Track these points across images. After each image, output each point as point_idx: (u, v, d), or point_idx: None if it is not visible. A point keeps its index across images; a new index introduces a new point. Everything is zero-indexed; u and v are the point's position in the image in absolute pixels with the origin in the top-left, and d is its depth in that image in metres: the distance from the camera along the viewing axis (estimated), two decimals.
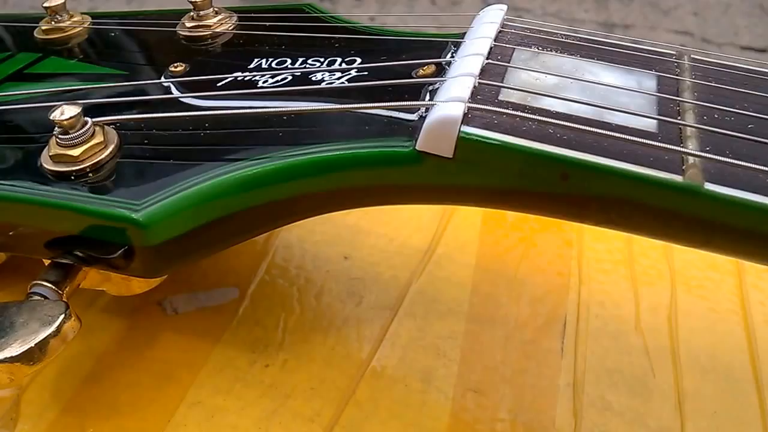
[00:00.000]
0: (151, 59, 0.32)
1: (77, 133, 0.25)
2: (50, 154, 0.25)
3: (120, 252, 0.25)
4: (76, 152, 0.25)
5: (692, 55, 0.27)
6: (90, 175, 0.25)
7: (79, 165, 0.25)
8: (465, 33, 0.29)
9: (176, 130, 0.26)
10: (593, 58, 0.26)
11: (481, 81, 0.24)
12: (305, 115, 0.26)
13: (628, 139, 0.22)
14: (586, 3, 1.37)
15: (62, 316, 0.25)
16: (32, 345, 0.24)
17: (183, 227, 0.24)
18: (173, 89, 0.29)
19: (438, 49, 0.28)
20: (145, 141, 0.26)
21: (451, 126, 0.22)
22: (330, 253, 0.37)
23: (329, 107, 0.25)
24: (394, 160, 0.23)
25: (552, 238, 0.39)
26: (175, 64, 0.30)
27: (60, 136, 0.25)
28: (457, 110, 0.22)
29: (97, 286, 0.29)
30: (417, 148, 0.23)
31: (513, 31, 0.27)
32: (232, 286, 0.35)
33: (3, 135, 0.28)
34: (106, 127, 0.26)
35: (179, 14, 0.34)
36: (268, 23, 0.32)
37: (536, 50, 0.26)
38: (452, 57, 0.27)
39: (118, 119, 0.26)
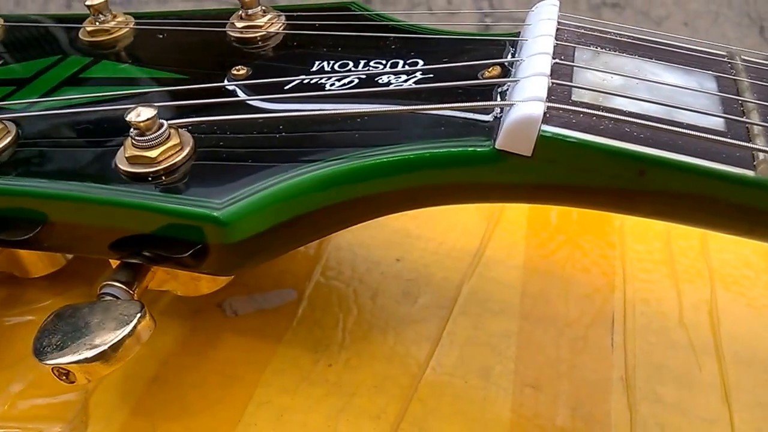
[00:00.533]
0: (209, 62, 0.32)
1: (154, 135, 0.26)
2: (126, 155, 0.26)
3: (195, 250, 0.26)
4: (153, 154, 0.26)
5: (742, 56, 0.28)
6: (167, 176, 0.26)
7: (157, 166, 0.26)
8: (520, 32, 0.30)
9: (250, 132, 0.27)
10: (651, 59, 0.27)
11: (553, 81, 0.24)
12: (378, 117, 0.26)
13: (700, 137, 0.23)
14: (580, 12, 1.39)
15: (139, 315, 0.26)
16: (111, 344, 0.25)
17: (262, 226, 0.25)
18: (239, 92, 0.29)
19: (497, 49, 0.29)
20: (220, 143, 0.27)
21: (532, 125, 0.23)
22: (382, 255, 0.38)
23: (405, 108, 0.26)
24: (474, 159, 0.24)
25: (595, 240, 0.40)
26: (237, 68, 0.31)
27: (136, 137, 0.26)
28: (538, 109, 0.23)
29: (164, 286, 0.30)
30: (496, 147, 0.24)
31: (569, 29, 0.28)
32: (288, 288, 0.36)
33: (70, 138, 0.29)
34: (179, 129, 0.27)
35: (224, 14, 0.35)
36: (317, 23, 0.33)
37: (596, 49, 0.27)
38: (514, 57, 0.28)
39: (193, 122, 0.27)
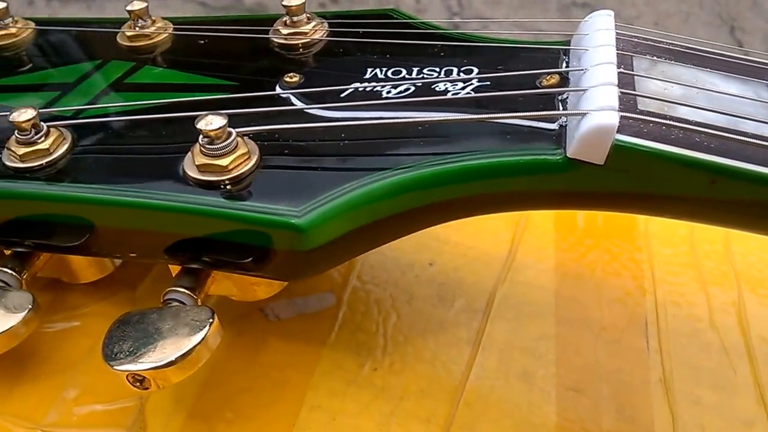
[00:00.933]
0: (255, 69, 0.32)
1: (224, 144, 0.26)
2: (197, 163, 0.26)
3: (266, 257, 0.26)
4: (224, 162, 0.26)
5: None
6: (238, 183, 0.26)
7: (228, 174, 0.26)
8: (570, 41, 0.30)
9: (312, 140, 0.27)
10: (707, 68, 0.28)
11: (621, 90, 0.25)
12: (442, 125, 0.27)
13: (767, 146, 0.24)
14: (550, 13, 1.39)
15: (211, 320, 0.26)
16: (188, 350, 0.25)
17: (336, 233, 0.25)
18: (294, 100, 0.29)
19: (551, 57, 0.29)
20: (285, 151, 0.27)
21: (607, 134, 0.23)
22: (414, 259, 0.38)
23: (476, 117, 0.26)
24: (544, 167, 0.24)
25: (622, 243, 0.40)
26: (290, 75, 0.31)
27: (206, 146, 0.26)
28: (613, 119, 0.23)
29: (222, 291, 0.30)
30: (568, 155, 0.24)
31: (625, 38, 0.29)
32: (327, 292, 0.36)
33: (128, 145, 0.29)
34: (244, 137, 0.27)
35: (265, 20, 0.35)
36: (361, 30, 0.33)
37: (652, 59, 0.28)
38: (569, 66, 0.28)
39: (259, 130, 0.27)
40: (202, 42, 0.34)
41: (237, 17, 0.37)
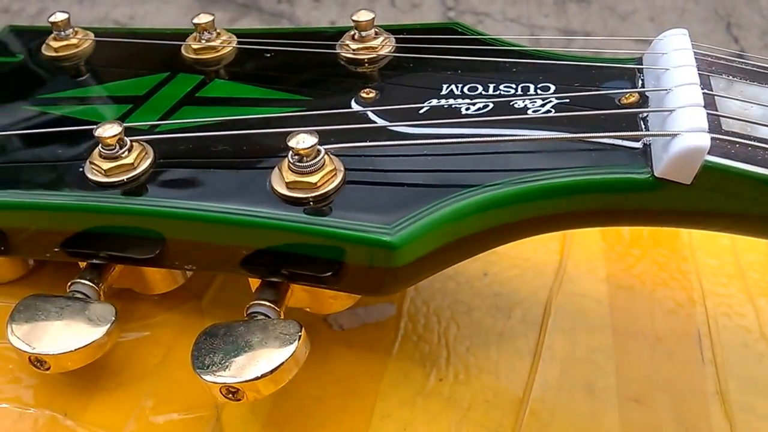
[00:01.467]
0: (326, 83, 0.33)
1: (313, 161, 0.26)
2: (286, 180, 0.27)
3: (355, 273, 0.26)
4: (313, 179, 0.26)
5: None
6: (326, 200, 0.26)
7: (316, 191, 0.26)
8: (642, 59, 0.31)
9: (394, 156, 0.28)
10: None
11: (707, 111, 0.26)
12: (527, 142, 0.27)
13: None
14: (546, 8, 1.40)
15: (300, 334, 0.26)
16: (282, 363, 0.25)
17: (424, 250, 0.26)
18: (373, 116, 0.30)
19: (628, 75, 0.30)
20: (369, 167, 0.27)
21: (698, 156, 0.24)
22: (468, 270, 0.39)
23: (558, 136, 0.27)
24: (631, 186, 0.25)
25: (669, 254, 0.41)
26: (366, 91, 0.31)
27: (296, 163, 0.27)
28: (705, 141, 0.24)
29: (298, 304, 0.30)
30: (656, 174, 0.25)
31: (701, 57, 0.29)
32: (386, 302, 0.37)
33: (209, 159, 0.29)
34: (331, 154, 0.27)
35: (330, 33, 0.35)
36: (428, 45, 0.34)
37: (728, 78, 0.28)
38: (643, 84, 0.29)
39: (345, 147, 0.28)
40: (268, 55, 0.35)
41: (298, 30, 0.37)
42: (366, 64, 0.34)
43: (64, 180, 0.29)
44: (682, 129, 0.24)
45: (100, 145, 0.28)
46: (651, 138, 0.26)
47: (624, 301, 0.38)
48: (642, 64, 0.30)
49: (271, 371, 0.25)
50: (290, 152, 0.27)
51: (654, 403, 0.33)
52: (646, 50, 0.31)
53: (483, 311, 0.37)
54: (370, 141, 0.28)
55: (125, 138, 0.29)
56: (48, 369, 0.28)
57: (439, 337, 0.35)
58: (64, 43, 0.37)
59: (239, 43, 0.36)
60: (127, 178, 0.28)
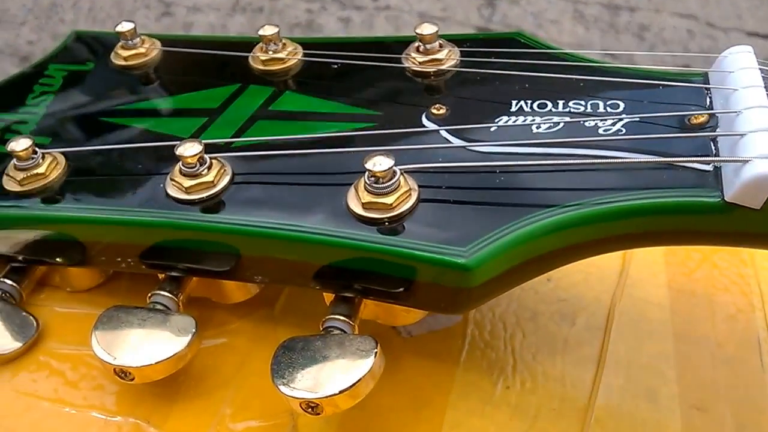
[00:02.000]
0: (395, 97, 0.33)
1: (389, 183, 0.27)
2: (363, 201, 0.27)
3: (426, 291, 0.27)
4: (389, 200, 0.27)
5: None
6: (400, 221, 0.27)
7: (392, 212, 0.27)
8: (707, 73, 0.31)
9: (467, 175, 0.28)
10: None
11: None
12: (597, 163, 0.28)
13: None
14: None
15: (375, 350, 0.27)
16: (359, 378, 0.26)
17: (499, 270, 0.26)
18: (445, 134, 0.30)
19: (695, 94, 0.30)
20: (442, 187, 0.28)
21: None
22: None
23: (632, 159, 0.27)
24: (702, 209, 0.25)
25: (729, 258, 0.41)
26: (437, 107, 0.31)
27: (373, 184, 0.27)
28: None
29: (371, 317, 0.31)
30: (726, 199, 0.25)
31: (765, 76, 0.29)
32: None
33: (285, 174, 0.30)
34: (406, 174, 0.28)
35: (393, 44, 0.35)
36: (492, 58, 0.34)
37: None
38: (712, 103, 0.29)
39: (421, 168, 0.28)
40: (335, 66, 0.35)
41: (359, 40, 0.37)
42: (432, 77, 0.34)
43: (145, 196, 0.30)
44: (754, 155, 0.25)
45: (180, 162, 0.29)
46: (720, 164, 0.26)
47: (685, 306, 0.38)
48: (708, 82, 0.30)
49: (350, 387, 0.26)
50: (366, 173, 0.27)
51: (716, 412, 0.34)
52: (710, 67, 0.31)
53: (547, 317, 0.37)
54: (442, 160, 0.29)
55: (205, 156, 0.29)
56: (132, 380, 0.29)
57: (506, 344, 0.36)
58: (133, 52, 0.38)
59: (306, 54, 0.36)
60: (206, 196, 0.29)
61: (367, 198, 0.27)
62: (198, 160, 0.29)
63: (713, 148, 0.27)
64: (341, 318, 0.29)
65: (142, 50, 0.38)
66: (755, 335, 0.37)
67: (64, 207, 0.30)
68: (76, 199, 0.31)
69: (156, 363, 0.28)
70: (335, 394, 0.26)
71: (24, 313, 0.32)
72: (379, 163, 0.27)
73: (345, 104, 0.33)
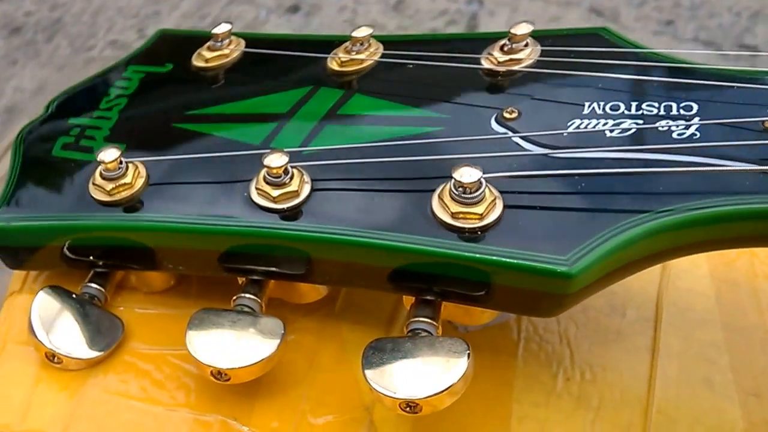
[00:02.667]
0: (465, 98, 0.33)
1: (477, 193, 0.28)
2: (452, 211, 0.28)
3: (520, 298, 0.28)
4: (479, 210, 0.28)
5: None
6: (490, 229, 0.28)
7: (481, 222, 0.28)
8: None
9: (547, 182, 0.29)
10: None
11: None
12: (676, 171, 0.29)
13: None
14: None
15: (468, 351, 0.28)
16: (459, 378, 0.28)
17: (597, 276, 0.27)
18: (518, 140, 0.31)
19: (764, 96, 0.30)
20: (523, 193, 0.29)
21: None
22: None
23: (713, 167, 0.28)
24: None
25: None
26: (509, 110, 0.32)
27: (460, 195, 0.28)
28: None
29: (450, 317, 0.32)
30: None
31: None
32: None
33: (365, 180, 0.31)
34: (489, 183, 0.29)
35: (476, 40, 0.35)
36: (572, 57, 0.33)
37: None
38: None
39: (504, 176, 0.29)
40: (410, 66, 0.35)
41: (447, 37, 0.37)
42: (508, 77, 0.33)
43: (228, 203, 0.31)
44: None
45: (265, 171, 0.30)
46: None
47: (729, 295, 0.40)
48: None
49: (449, 387, 0.27)
50: (453, 182, 0.28)
51: None
52: None
53: (598, 310, 0.39)
54: (518, 167, 0.30)
55: (288, 166, 0.30)
56: (228, 380, 0.30)
57: (560, 336, 0.37)
58: (217, 53, 0.38)
59: (384, 56, 0.36)
60: (293, 205, 0.30)
61: (456, 208, 0.28)
62: (283, 171, 0.30)
63: None
64: (426, 320, 0.30)
65: (226, 51, 0.38)
66: None
67: (152, 216, 0.31)
68: (159, 207, 0.32)
69: (252, 364, 0.29)
70: (436, 394, 0.27)
71: (111, 315, 0.33)
72: (468, 174, 0.28)
73: (413, 107, 0.33)
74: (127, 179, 0.32)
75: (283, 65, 0.37)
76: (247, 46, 0.38)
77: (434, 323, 0.30)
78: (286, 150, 0.31)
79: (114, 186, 0.32)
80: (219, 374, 0.30)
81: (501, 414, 0.34)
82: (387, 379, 0.28)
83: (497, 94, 0.33)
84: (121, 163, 0.32)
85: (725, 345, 0.37)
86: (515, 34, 0.34)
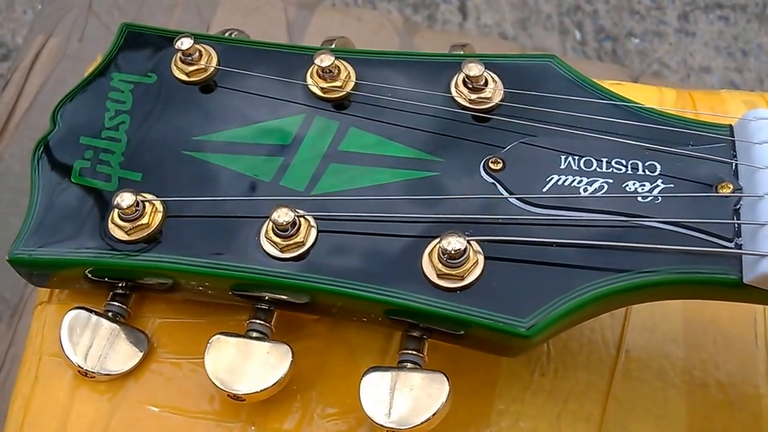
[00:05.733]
0: (455, 141, 0.35)
1: (461, 259, 0.32)
2: (438, 272, 0.32)
3: (487, 343, 0.33)
4: (462, 272, 0.32)
5: None
6: (470, 288, 0.32)
7: (462, 282, 0.32)
8: (731, 128, 0.34)
9: (523, 239, 0.33)
10: None
11: None
12: (640, 231, 0.32)
13: None
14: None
15: (448, 385, 0.33)
16: (436, 410, 0.33)
17: (553, 332, 0.32)
18: (502, 190, 0.34)
19: (723, 159, 0.32)
20: (502, 255, 0.32)
21: None
22: None
23: (670, 229, 0.32)
24: (721, 285, 0.31)
25: None
26: (494, 160, 0.34)
27: (447, 259, 0.32)
28: None
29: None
30: (744, 281, 0.30)
31: None
32: None
33: (360, 233, 0.34)
34: (473, 245, 0.33)
35: (445, 65, 0.36)
36: (530, 90, 0.35)
37: None
38: (737, 174, 0.32)
39: (487, 240, 0.33)
40: (389, 96, 0.36)
41: (411, 57, 0.38)
42: (483, 116, 0.35)
43: (241, 247, 0.34)
44: None
45: (273, 224, 0.34)
46: (743, 239, 0.31)
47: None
48: (735, 145, 0.33)
49: (432, 416, 0.32)
50: (440, 247, 0.32)
51: (718, 384, 0.41)
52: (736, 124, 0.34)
53: None
54: (502, 222, 0.33)
55: (296, 218, 0.33)
56: (243, 401, 0.35)
57: None
58: (194, 68, 0.38)
59: (359, 78, 0.37)
60: (298, 254, 0.34)
61: (441, 269, 0.32)
62: (290, 224, 0.33)
63: (735, 227, 0.31)
64: (413, 352, 0.34)
65: (202, 65, 0.38)
66: (752, 314, 0.43)
67: (169, 258, 0.34)
68: (175, 246, 0.35)
69: (265, 389, 0.34)
70: (418, 425, 0.32)
71: (135, 330, 0.38)
72: (454, 243, 0.31)
73: (407, 146, 0.35)
74: (145, 220, 0.34)
75: (269, 83, 0.38)
76: (219, 59, 0.38)
77: (421, 354, 0.34)
78: (293, 193, 0.35)
79: (132, 227, 0.34)
80: (236, 397, 0.34)
81: (482, 410, 0.39)
82: (384, 412, 0.33)
83: (480, 137, 0.35)
84: (137, 205, 0.34)
85: (683, 339, 0.42)
86: (470, 76, 0.35)
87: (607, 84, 0.44)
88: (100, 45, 0.73)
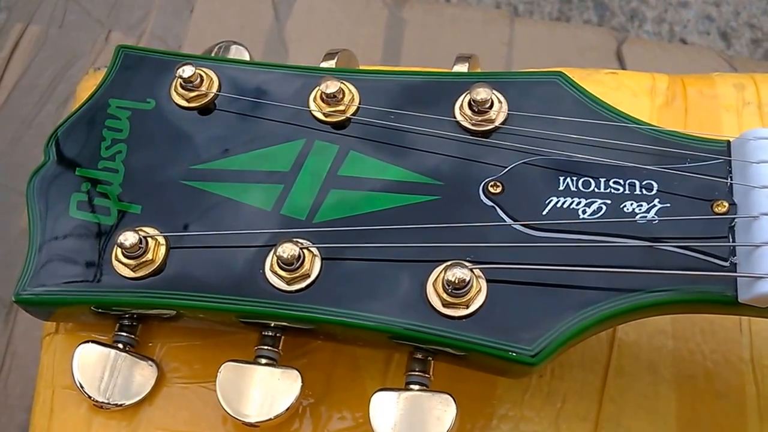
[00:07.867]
0: (456, 164, 0.35)
1: (466, 289, 0.33)
2: (442, 300, 0.33)
3: (491, 366, 0.34)
4: (466, 300, 0.33)
5: None
6: (474, 315, 0.33)
7: (467, 310, 0.33)
8: (728, 147, 0.34)
9: (525, 265, 0.34)
10: None
11: None
12: (636, 253, 0.33)
13: None
14: None
15: (456, 410, 0.35)
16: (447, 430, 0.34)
17: (556, 355, 0.33)
18: (502, 214, 0.34)
19: (720, 177, 0.33)
20: (505, 280, 0.33)
21: None
22: None
23: (670, 251, 0.33)
24: (717, 304, 0.32)
25: None
26: (494, 184, 0.34)
27: (451, 290, 0.33)
28: None
29: None
30: (739, 300, 0.32)
31: None
32: None
33: (364, 263, 0.35)
34: (475, 271, 0.34)
35: (451, 84, 0.36)
36: (535, 111, 0.35)
37: None
38: (732, 193, 0.33)
39: (490, 268, 0.34)
40: (392, 117, 0.37)
41: (414, 77, 0.38)
42: (483, 136, 0.35)
43: (246, 280, 0.35)
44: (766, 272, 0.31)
45: (278, 258, 0.34)
46: (738, 259, 0.32)
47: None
48: (731, 166, 0.34)
49: None
50: (445, 278, 0.33)
51: (705, 374, 0.42)
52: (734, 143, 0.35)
53: None
54: (503, 247, 0.34)
55: (301, 251, 0.34)
56: (257, 427, 0.36)
57: None
58: (195, 93, 0.37)
59: (360, 106, 0.37)
60: (304, 286, 0.34)
61: (446, 299, 0.33)
62: (295, 259, 0.34)
63: (731, 238, 0.32)
64: (420, 373, 0.36)
65: (203, 90, 0.37)
66: None
67: (176, 294, 0.35)
68: (182, 278, 0.35)
69: (276, 416, 0.35)
70: None
71: (145, 359, 0.38)
72: (458, 274, 0.32)
73: (408, 170, 0.35)
74: (149, 256, 0.35)
75: (268, 107, 0.37)
76: (219, 83, 0.38)
77: (427, 375, 0.35)
78: (295, 222, 0.35)
79: (137, 264, 0.34)
80: (250, 425, 0.35)
81: (484, 412, 0.40)
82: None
83: (481, 159, 0.36)
84: (141, 242, 0.34)
85: (672, 331, 0.44)
86: (477, 100, 0.35)
87: (603, 72, 0.45)
88: (81, 31, 0.71)
